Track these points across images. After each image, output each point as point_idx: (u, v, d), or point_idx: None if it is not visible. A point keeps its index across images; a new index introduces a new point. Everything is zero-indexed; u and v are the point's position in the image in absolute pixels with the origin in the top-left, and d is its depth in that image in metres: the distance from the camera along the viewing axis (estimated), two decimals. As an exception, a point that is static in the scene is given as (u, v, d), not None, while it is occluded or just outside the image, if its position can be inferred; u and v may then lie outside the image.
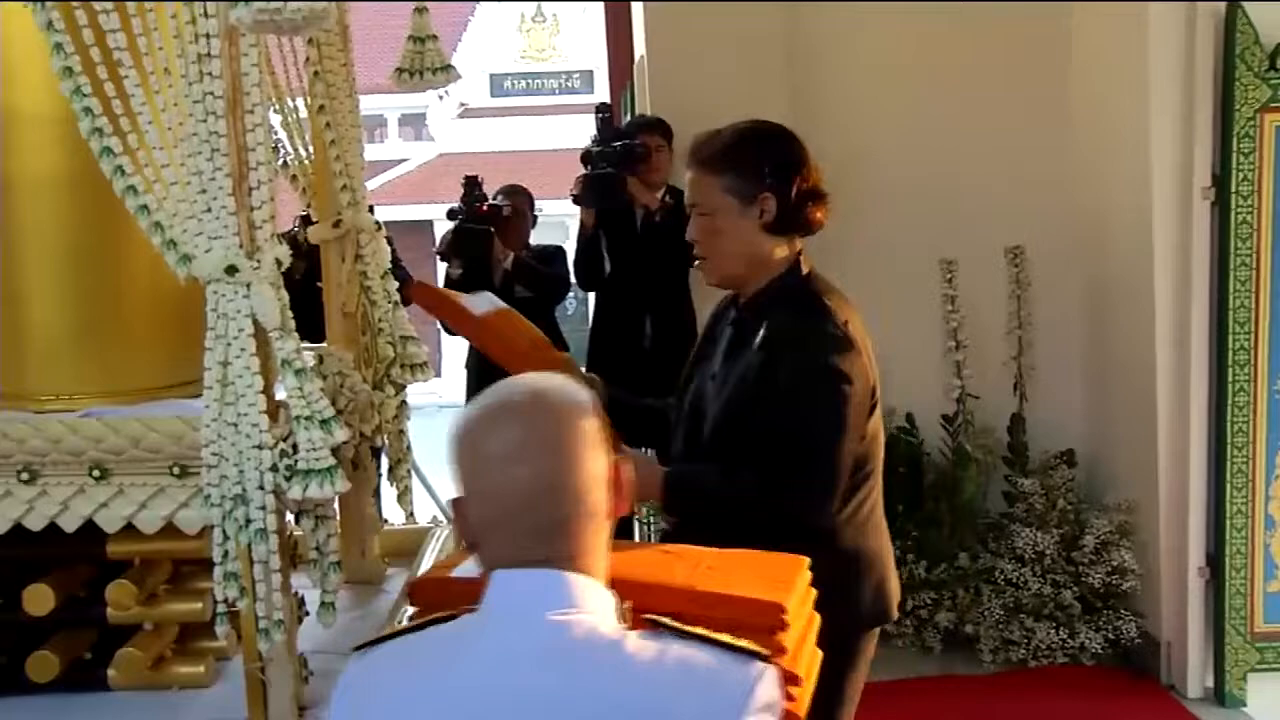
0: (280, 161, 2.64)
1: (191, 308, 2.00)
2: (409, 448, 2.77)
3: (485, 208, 4.89)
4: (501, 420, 1.37)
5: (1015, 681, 4.27)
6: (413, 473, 2.84)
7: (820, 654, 1.76)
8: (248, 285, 1.92)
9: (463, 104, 20.20)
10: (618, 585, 1.45)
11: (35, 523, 1.97)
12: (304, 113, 2.71)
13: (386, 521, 3.12)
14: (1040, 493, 4.56)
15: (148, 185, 1.95)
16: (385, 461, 2.94)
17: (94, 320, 2.21)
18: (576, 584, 1.32)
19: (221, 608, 1.96)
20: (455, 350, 5.07)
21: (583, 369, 2.54)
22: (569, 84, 21.34)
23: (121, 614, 2.13)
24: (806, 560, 1.79)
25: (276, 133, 2.54)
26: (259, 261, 1.93)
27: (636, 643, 1.30)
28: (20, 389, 2.20)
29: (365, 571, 2.72)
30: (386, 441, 2.70)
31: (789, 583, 1.70)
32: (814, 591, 1.79)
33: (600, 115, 5.19)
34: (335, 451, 1.94)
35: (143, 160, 1.96)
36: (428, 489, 4.86)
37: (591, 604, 1.32)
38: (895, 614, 2.42)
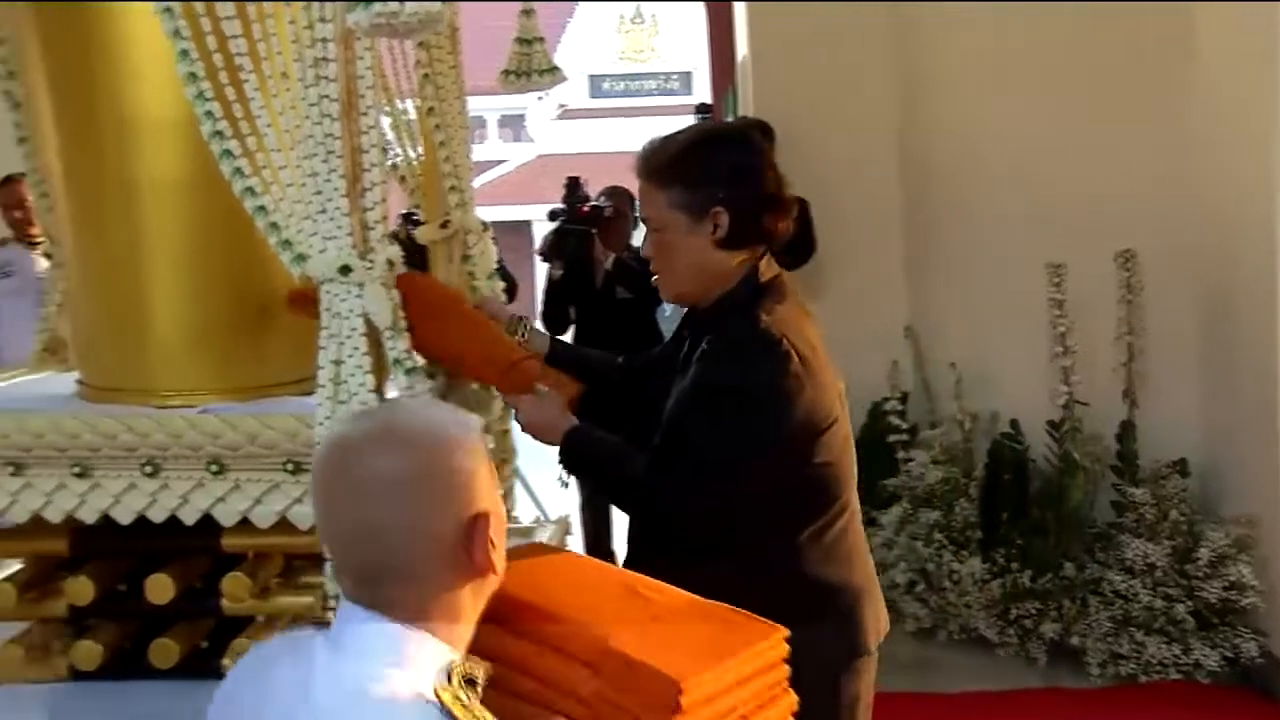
0: (389, 163, 2.68)
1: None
2: (513, 448, 2.79)
3: (586, 209, 4.93)
4: (334, 451, 1.33)
5: (1126, 697, 4.16)
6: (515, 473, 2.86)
7: None
8: (360, 285, 1.95)
9: (561, 105, 20.36)
10: (537, 611, 1.50)
11: (157, 515, 2.03)
12: (413, 114, 2.75)
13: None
14: (1151, 503, 4.44)
15: (265, 186, 1.99)
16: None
17: (213, 319, 2.26)
18: (399, 638, 1.29)
19: (333, 602, 1.99)
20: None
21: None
22: (668, 85, 21.38)
23: (236, 606, 2.17)
24: (781, 633, 1.61)
25: (386, 134, 2.57)
26: (372, 261, 1.96)
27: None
28: (143, 385, 2.25)
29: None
30: (491, 441, 2.72)
31: (725, 655, 1.52)
32: (784, 669, 1.61)
33: (700, 115, 5.20)
34: (445, 450, 1.96)
35: (260, 162, 2.00)
36: (527, 489, 4.90)
37: (412, 662, 1.28)
38: (872, 648, 2.24)
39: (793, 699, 1.62)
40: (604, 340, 5.11)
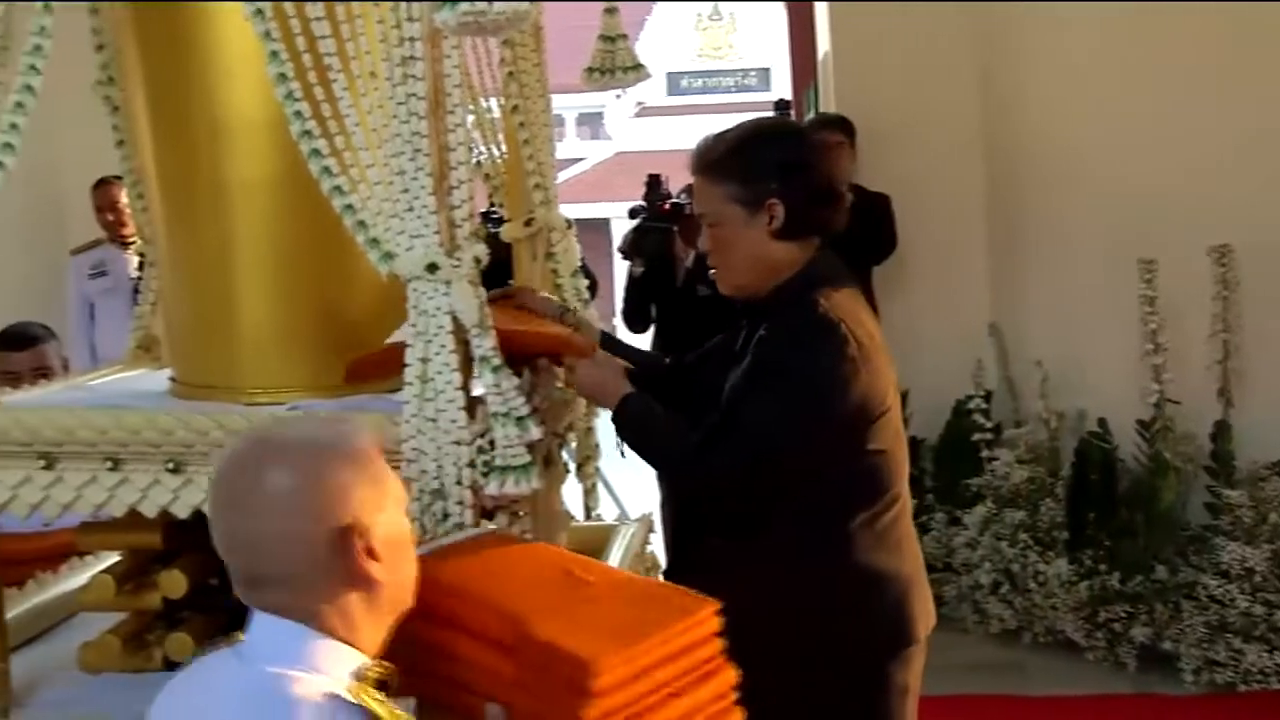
0: (473, 160, 2.69)
1: (394, 305, 2.05)
2: (597, 445, 2.79)
3: (667, 206, 4.91)
4: (220, 464, 1.43)
5: (1225, 706, 4.05)
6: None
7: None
8: (447, 283, 1.95)
9: (639, 103, 20.39)
10: (466, 598, 1.55)
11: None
12: (496, 112, 2.76)
13: (574, 519, 3.14)
14: (1249, 505, 4.32)
15: (353, 185, 2.01)
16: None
17: (301, 317, 2.29)
18: (305, 642, 1.36)
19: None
20: (639, 347, 5.10)
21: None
22: (745, 82, 21.32)
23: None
24: (711, 608, 1.62)
25: (470, 132, 2.59)
26: (459, 259, 1.97)
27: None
28: (233, 382, 2.29)
29: (552, 567, 2.74)
30: (575, 439, 2.72)
31: (648, 634, 1.52)
32: (717, 644, 1.61)
33: (779, 111, 5.17)
34: (531, 448, 1.97)
35: (348, 161, 2.01)
36: (606, 487, 4.90)
37: (322, 665, 1.35)
38: (920, 637, 2.27)
39: (730, 674, 1.62)
40: (685, 337, 5.09)
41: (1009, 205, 5.26)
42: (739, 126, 2.30)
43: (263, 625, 1.40)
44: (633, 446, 2.33)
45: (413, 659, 1.63)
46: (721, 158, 2.24)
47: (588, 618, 1.56)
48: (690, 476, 2.27)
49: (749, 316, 2.31)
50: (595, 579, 1.68)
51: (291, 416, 1.51)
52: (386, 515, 1.44)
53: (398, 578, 1.45)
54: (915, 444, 5.19)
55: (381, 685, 1.38)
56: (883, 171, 5.12)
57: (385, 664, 1.42)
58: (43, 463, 2.10)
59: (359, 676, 1.36)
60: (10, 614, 2.33)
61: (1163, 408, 4.61)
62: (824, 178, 2.25)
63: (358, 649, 1.39)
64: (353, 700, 1.33)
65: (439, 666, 1.63)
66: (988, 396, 5.15)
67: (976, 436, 5.04)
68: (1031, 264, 5.16)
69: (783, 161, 2.21)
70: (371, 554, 1.39)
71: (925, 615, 2.29)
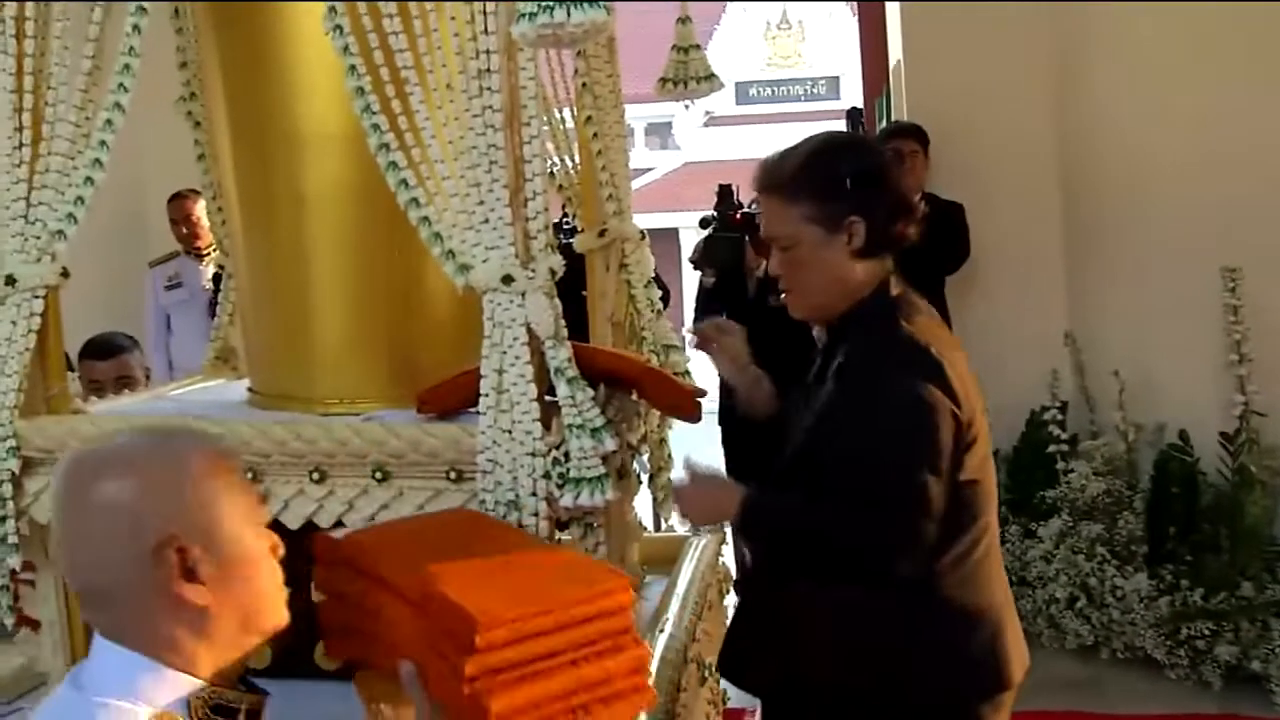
0: (547, 171, 2.70)
1: (469, 317, 2.06)
2: (669, 456, 2.78)
3: (739, 216, 4.90)
4: (55, 472, 1.39)
5: (1316, 728, 3.93)
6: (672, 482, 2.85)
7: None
8: (523, 294, 1.96)
9: (708, 112, 20.37)
10: (393, 555, 1.61)
11: (324, 519, 2.07)
12: (570, 123, 2.76)
13: (645, 529, 3.14)
14: (1339, 520, 4.20)
15: (429, 197, 2.02)
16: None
17: (378, 328, 2.31)
18: (132, 669, 1.30)
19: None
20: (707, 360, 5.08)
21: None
22: (815, 90, 21.22)
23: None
24: (623, 584, 1.62)
25: (544, 143, 2.59)
26: (534, 271, 1.97)
27: None
28: (310, 393, 2.31)
29: (624, 578, 2.74)
30: (649, 450, 2.71)
31: (549, 601, 1.53)
32: (626, 619, 1.61)
33: (851, 119, 5.13)
34: (605, 460, 1.96)
35: (425, 173, 2.03)
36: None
37: (143, 694, 1.29)
38: (1017, 678, 2.13)
39: (643, 651, 1.63)
40: (756, 348, 5.07)
41: (1086, 212, 5.17)
42: (806, 141, 2.18)
43: (98, 650, 1.35)
44: (769, 544, 2.20)
45: (348, 619, 1.75)
46: (793, 175, 2.11)
47: (498, 582, 1.59)
48: (844, 548, 2.05)
49: (829, 337, 2.20)
50: (524, 553, 1.72)
51: (133, 427, 1.50)
52: (225, 532, 1.35)
53: (239, 599, 1.36)
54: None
55: (222, 710, 1.33)
56: (956, 180, 5.06)
57: (230, 690, 1.35)
58: (126, 471, 2.13)
59: (188, 703, 1.31)
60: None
61: (1248, 419, 4.50)
62: (900, 191, 2.15)
63: (195, 674, 1.33)
64: None
65: (367, 625, 1.70)
66: (1063, 407, 5.06)
67: (1052, 448, 4.96)
68: (1108, 272, 5.07)
69: (859, 176, 2.09)
70: (193, 575, 1.31)
71: (1020, 656, 2.14)
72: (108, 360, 3.52)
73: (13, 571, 2.10)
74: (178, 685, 1.31)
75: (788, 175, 2.12)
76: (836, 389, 2.08)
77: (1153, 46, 4.77)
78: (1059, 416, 5.02)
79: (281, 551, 1.45)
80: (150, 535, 1.30)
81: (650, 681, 1.66)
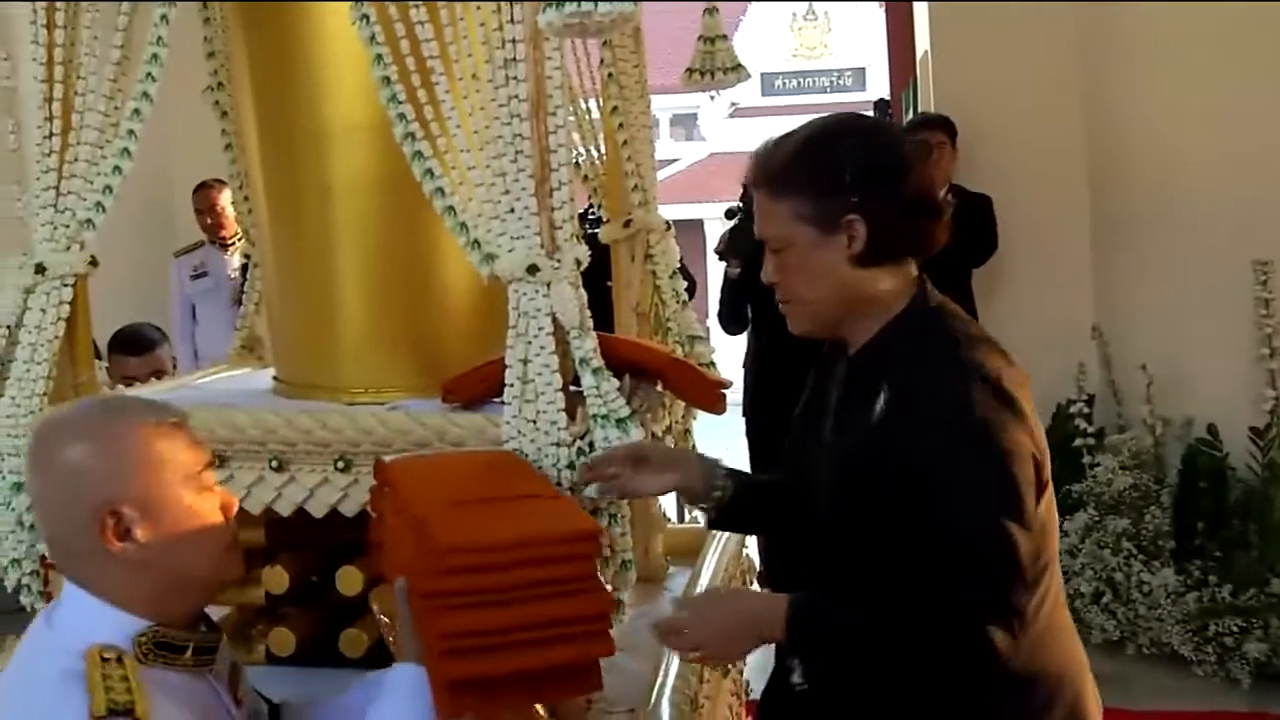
0: (572, 161, 2.69)
1: (494, 306, 2.06)
2: (694, 447, 2.78)
3: (764, 207, 4.87)
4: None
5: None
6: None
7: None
8: (548, 284, 1.96)
9: (733, 104, 20.32)
10: (410, 483, 1.72)
11: (349, 508, 2.07)
12: (595, 113, 2.76)
13: (669, 520, 3.14)
14: (1371, 516, 4.16)
15: (454, 187, 2.02)
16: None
17: (403, 318, 2.31)
18: (87, 611, 1.49)
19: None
20: (734, 350, 5.07)
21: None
22: (840, 82, 21.14)
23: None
24: (592, 528, 1.65)
25: (570, 133, 2.59)
26: (559, 261, 1.97)
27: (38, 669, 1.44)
28: (335, 382, 2.32)
29: (648, 569, 2.74)
30: (673, 441, 2.71)
31: (516, 535, 1.60)
32: (590, 566, 1.64)
33: (879, 111, 5.10)
34: (629, 450, 1.96)
35: (450, 163, 2.03)
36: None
37: (94, 631, 1.47)
38: None
39: (605, 598, 1.66)
40: (780, 339, 5.05)
41: (1113, 204, 5.13)
42: (806, 126, 1.83)
43: (65, 592, 1.54)
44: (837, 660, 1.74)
45: (379, 536, 1.86)
46: (785, 166, 1.77)
47: (480, 515, 1.65)
48: (937, 635, 1.64)
49: (851, 372, 1.84)
50: (529, 496, 1.75)
51: (103, 396, 1.66)
52: (161, 495, 1.50)
53: (176, 554, 1.51)
54: (1014, 448, 5.10)
55: (166, 646, 1.50)
56: (984, 171, 5.03)
57: (177, 630, 1.52)
58: (153, 459, 2.15)
59: (135, 641, 1.48)
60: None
61: (1278, 414, 4.46)
62: (917, 185, 1.77)
63: (140, 616, 1.49)
64: (86, 665, 1.43)
65: (385, 545, 1.82)
66: (1090, 401, 5.04)
67: (1078, 442, 4.93)
68: (1136, 265, 5.03)
69: (862, 167, 1.73)
70: (128, 534, 1.48)
71: (1097, 710, 1.83)
72: (140, 356, 3.55)
73: (42, 556, 2.12)
74: (121, 625, 1.49)
75: (778, 166, 1.78)
76: (890, 432, 1.69)
77: (1180, 38, 4.73)
78: (1085, 410, 4.99)
79: (234, 511, 1.62)
80: (90, 497, 1.47)
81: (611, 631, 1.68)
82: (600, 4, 1.58)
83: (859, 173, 1.73)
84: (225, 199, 5.30)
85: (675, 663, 2.17)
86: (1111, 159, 5.11)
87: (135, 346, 3.59)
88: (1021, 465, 1.66)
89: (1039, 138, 5.16)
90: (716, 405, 2.33)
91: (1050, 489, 1.76)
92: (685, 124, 21.49)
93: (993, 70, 5.13)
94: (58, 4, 2.10)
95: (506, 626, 1.57)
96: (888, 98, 5.68)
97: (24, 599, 2.15)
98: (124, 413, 1.55)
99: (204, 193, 5.49)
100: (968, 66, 5.19)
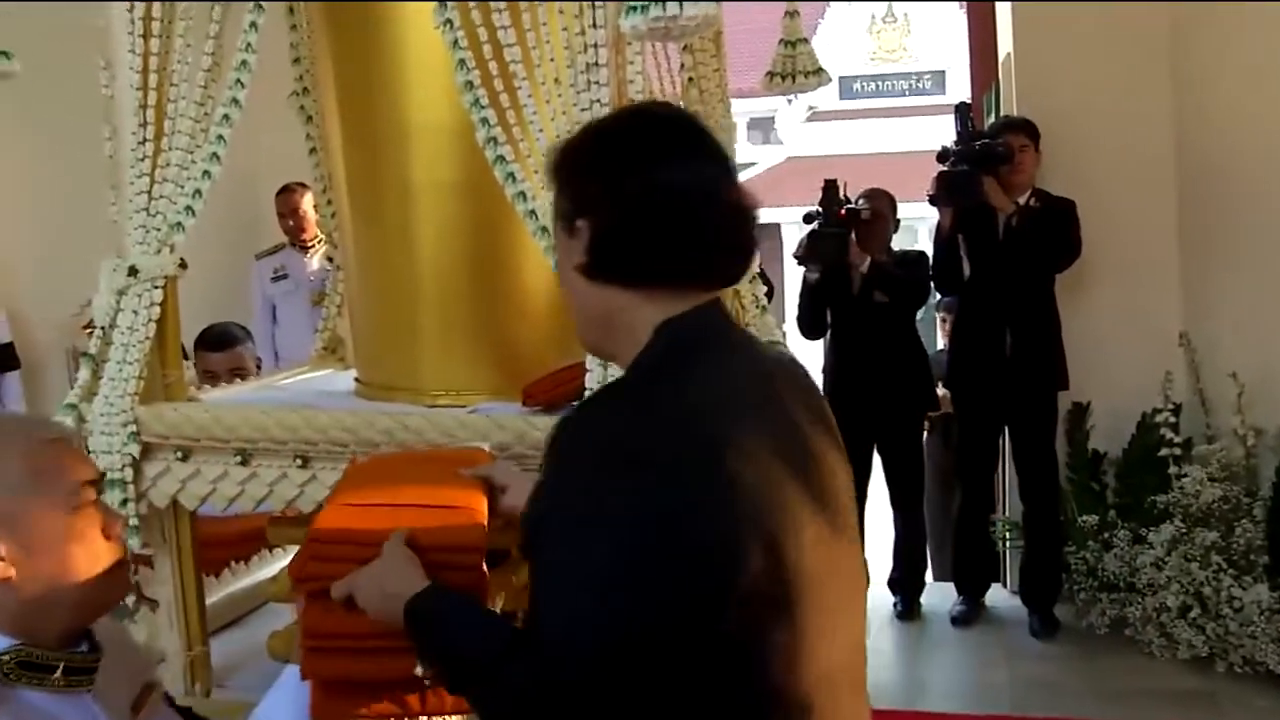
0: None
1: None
2: (772, 452, 2.76)
3: (843, 211, 4.83)
4: None
5: None
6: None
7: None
8: (628, 288, 1.95)
9: (811, 107, 20.18)
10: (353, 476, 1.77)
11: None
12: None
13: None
14: None
15: (537, 191, 2.03)
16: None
17: (484, 321, 2.33)
18: None
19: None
20: (812, 355, 5.03)
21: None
22: (919, 85, 20.89)
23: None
24: (475, 521, 1.62)
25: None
26: (640, 265, 1.96)
27: None
28: (416, 384, 2.34)
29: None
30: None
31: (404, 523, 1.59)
32: (476, 557, 1.60)
33: (960, 113, 5.02)
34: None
35: (532, 166, 2.04)
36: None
37: None
38: None
39: (486, 580, 1.61)
40: (861, 345, 5.02)
41: (1203, 209, 5.01)
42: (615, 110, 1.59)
43: None
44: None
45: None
46: (559, 153, 1.45)
47: (370, 513, 1.66)
48: (477, 690, 1.37)
49: None
50: (449, 485, 1.74)
51: None
52: (31, 518, 1.47)
53: (45, 574, 1.47)
54: (1097, 457, 5.00)
55: (30, 666, 1.46)
56: (1068, 175, 4.94)
57: (46, 649, 1.48)
58: (239, 458, 2.19)
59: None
60: (209, 601, 2.44)
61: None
62: (681, 190, 1.35)
63: (9, 634, 1.46)
64: None
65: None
66: (1177, 410, 4.91)
67: (1164, 451, 4.81)
68: (1226, 270, 4.90)
69: (603, 156, 1.39)
70: None
71: None
72: (222, 352, 3.61)
73: (133, 553, 2.16)
74: None
75: (556, 153, 1.46)
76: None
77: (1273, 39, 4.60)
78: (1172, 419, 4.87)
79: (117, 530, 1.56)
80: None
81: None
82: (686, 8, 1.58)
83: (596, 164, 1.40)
84: (307, 202, 5.38)
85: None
86: (1202, 162, 4.99)
87: (219, 342, 3.66)
88: (646, 535, 1.25)
89: (1126, 140, 5.05)
90: None
91: (761, 578, 1.28)
92: (762, 128, 21.38)
93: (1078, 71, 5.03)
94: (154, 16, 2.14)
95: (368, 631, 1.51)
96: (968, 100, 5.59)
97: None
98: (7, 435, 1.52)
99: (286, 196, 5.57)
100: (1052, 68, 5.09)
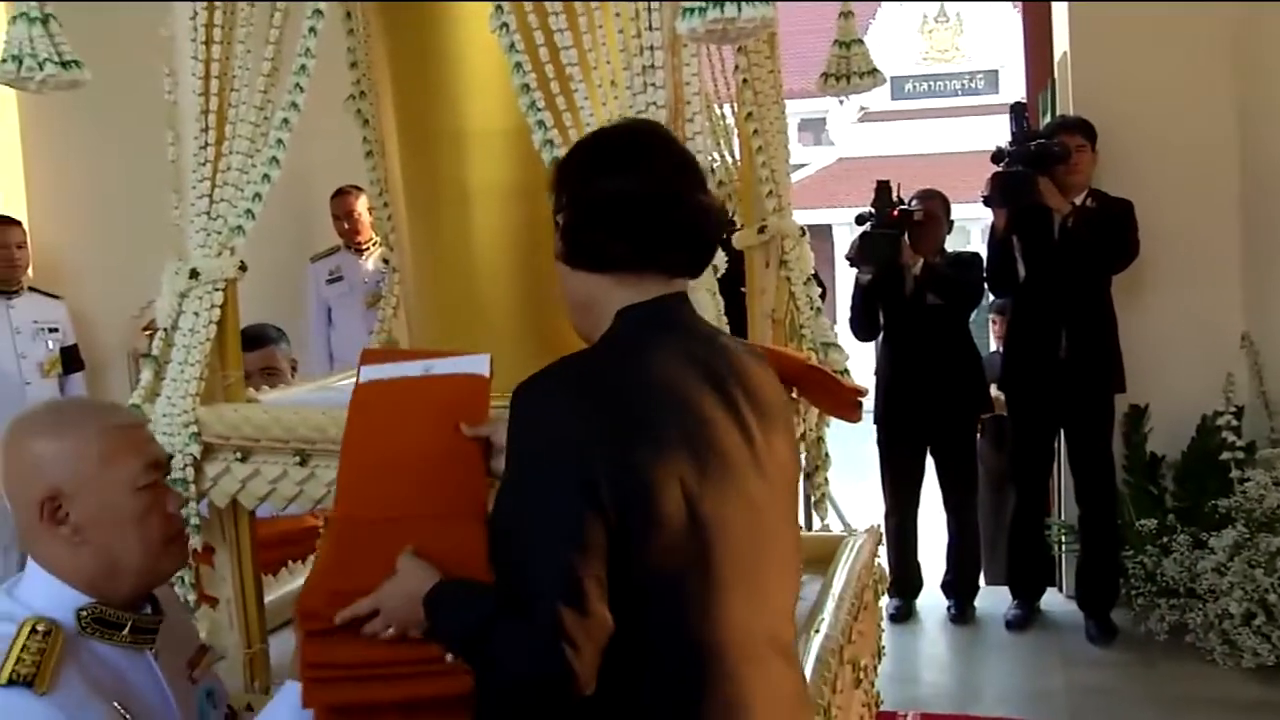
0: (709, 167, 2.69)
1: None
2: (827, 455, 2.75)
3: (896, 213, 4.80)
4: None
5: None
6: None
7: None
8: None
9: (863, 108, 20.08)
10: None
11: (487, 510, 2.10)
12: (730, 119, 2.75)
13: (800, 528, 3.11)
14: None
15: (592, 194, 2.03)
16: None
17: (539, 322, 2.33)
18: (39, 584, 1.65)
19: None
20: (864, 357, 5.01)
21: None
22: (972, 85, 20.73)
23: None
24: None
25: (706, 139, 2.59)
26: (696, 267, 1.96)
27: None
28: (473, 386, 2.35)
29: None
30: (805, 448, 2.68)
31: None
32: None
33: (1015, 113, 4.98)
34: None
35: (588, 169, 2.03)
36: (830, 501, 4.83)
37: (35, 602, 1.62)
38: None
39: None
40: (913, 347, 4.98)
41: (1266, 207, 4.93)
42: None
43: (27, 568, 1.69)
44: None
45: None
46: (555, 160, 1.75)
47: (368, 550, 1.71)
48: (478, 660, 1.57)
49: None
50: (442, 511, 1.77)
51: (68, 398, 1.76)
52: (98, 493, 1.64)
53: (108, 544, 1.65)
54: (1155, 460, 4.94)
55: (104, 623, 1.64)
56: (1125, 176, 4.88)
57: (119, 608, 1.65)
58: (298, 459, 2.21)
59: (77, 615, 1.63)
60: (268, 599, 2.47)
61: None
62: (621, 194, 1.59)
63: (81, 592, 1.64)
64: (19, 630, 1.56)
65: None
66: (1239, 412, 4.84)
67: (1225, 455, 4.74)
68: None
69: (584, 160, 1.65)
70: (65, 520, 1.63)
71: None
72: (254, 351, 3.63)
73: (195, 551, 2.19)
74: (65, 598, 1.64)
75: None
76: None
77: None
78: (1234, 423, 4.80)
79: (176, 507, 1.75)
80: (39, 487, 1.63)
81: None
82: (744, 10, 1.58)
83: (578, 165, 1.67)
84: (362, 205, 5.42)
85: (806, 676, 2.15)
86: (1266, 159, 4.90)
87: (250, 341, 3.69)
88: (568, 474, 1.50)
89: (1186, 139, 4.98)
90: (853, 413, 2.30)
91: (670, 527, 1.52)
92: (814, 129, 21.31)
93: (1136, 70, 4.97)
94: (215, 23, 2.17)
95: (367, 660, 1.63)
96: (1023, 100, 5.53)
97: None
98: (81, 413, 1.73)
99: (342, 199, 5.63)
100: (1109, 67, 5.03)
